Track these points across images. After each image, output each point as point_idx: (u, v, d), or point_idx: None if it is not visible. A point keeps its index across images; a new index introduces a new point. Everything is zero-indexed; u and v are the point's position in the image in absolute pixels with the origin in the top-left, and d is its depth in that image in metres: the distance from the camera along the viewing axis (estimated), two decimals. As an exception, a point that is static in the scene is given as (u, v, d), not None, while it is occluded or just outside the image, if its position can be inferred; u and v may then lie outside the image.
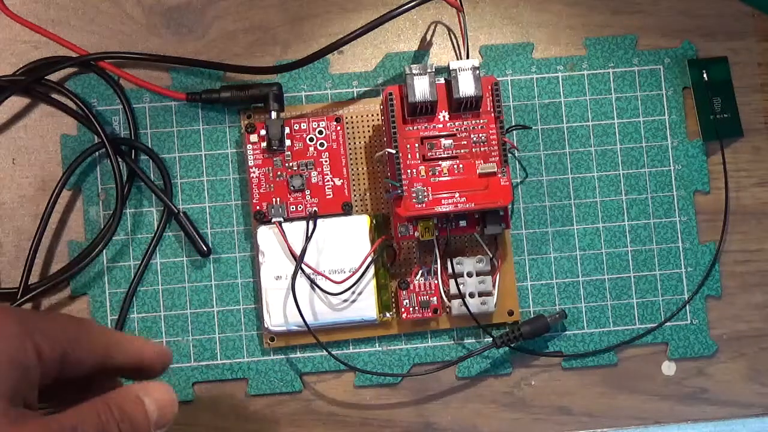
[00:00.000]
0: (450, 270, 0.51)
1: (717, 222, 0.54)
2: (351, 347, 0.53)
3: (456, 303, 0.51)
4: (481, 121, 0.49)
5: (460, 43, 0.54)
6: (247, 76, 0.54)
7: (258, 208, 0.52)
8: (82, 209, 0.54)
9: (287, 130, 0.53)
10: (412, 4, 0.50)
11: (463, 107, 0.49)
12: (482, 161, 0.49)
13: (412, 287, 0.52)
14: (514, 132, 0.54)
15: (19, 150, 0.54)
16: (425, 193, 0.49)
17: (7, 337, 0.32)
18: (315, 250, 0.51)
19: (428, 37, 0.56)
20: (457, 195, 0.49)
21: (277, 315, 0.51)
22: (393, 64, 0.55)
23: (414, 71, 0.48)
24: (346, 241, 0.51)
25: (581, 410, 0.53)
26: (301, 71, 0.54)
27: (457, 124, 0.49)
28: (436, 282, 0.52)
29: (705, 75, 0.55)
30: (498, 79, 0.50)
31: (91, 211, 0.53)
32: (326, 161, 0.53)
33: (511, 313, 0.53)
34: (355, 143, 0.54)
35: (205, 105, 0.54)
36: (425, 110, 0.48)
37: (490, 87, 0.49)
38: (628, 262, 0.54)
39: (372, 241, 0.51)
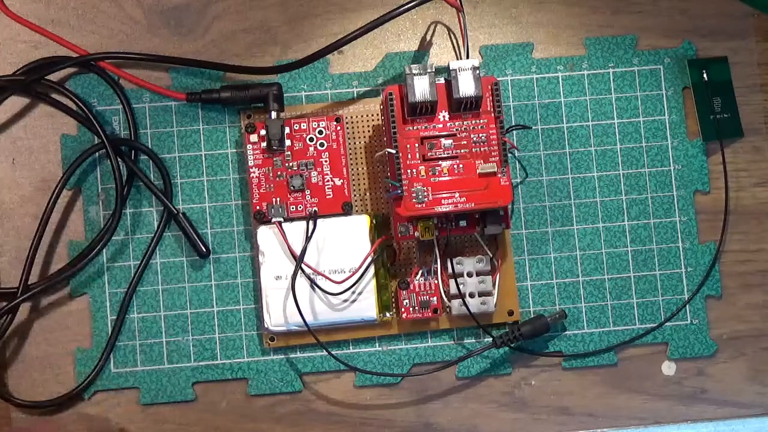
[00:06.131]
0: (450, 270, 0.51)
1: (717, 222, 0.54)
2: (351, 347, 0.53)
3: (456, 303, 0.51)
4: (481, 121, 0.49)
5: (460, 43, 0.54)
6: (247, 76, 0.54)
7: (258, 208, 0.52)
8: (82, 209, 0.54)
9: (287, 130, 0.53)
10: (412, 4, 0.50)
11: (463, 107, 0.49)
12: (482, 161, 0.49)
13: (412, 287, 0.52)
14: (514, 132, 0.54)
15: (19, 150, 0.54)
16: (425, 193, 0.49)
17: None
18: (315, 250, 0.51)
19: (428, 37, 0.55)
20: (457, 195, 0.49)
21: (277, 315, 0.51)
22: (393, 64, 0.55)
23: (414, 71, 0.48)
24: (346, 241, 0.51)
25: (581, 410, 0.53)
26: (301, 71, 0.54)
27: (457, 124, 0.49)
28: (436, 282, 0.52)
29: (705, 75, 0.55)
30: (498, 79, 0.50)
31: (91, 211, 0.53)
32: (326, 161, 0.53)
33: (511, 313, 0.53)
34: (355, 143, 0.54)
35: (205, 105, 0.54)
36: (425, 110, 0.48)
37: (490, 87, 0.49)
38: (628, 262, 0.54)
39: (372, 241, 0.51)
